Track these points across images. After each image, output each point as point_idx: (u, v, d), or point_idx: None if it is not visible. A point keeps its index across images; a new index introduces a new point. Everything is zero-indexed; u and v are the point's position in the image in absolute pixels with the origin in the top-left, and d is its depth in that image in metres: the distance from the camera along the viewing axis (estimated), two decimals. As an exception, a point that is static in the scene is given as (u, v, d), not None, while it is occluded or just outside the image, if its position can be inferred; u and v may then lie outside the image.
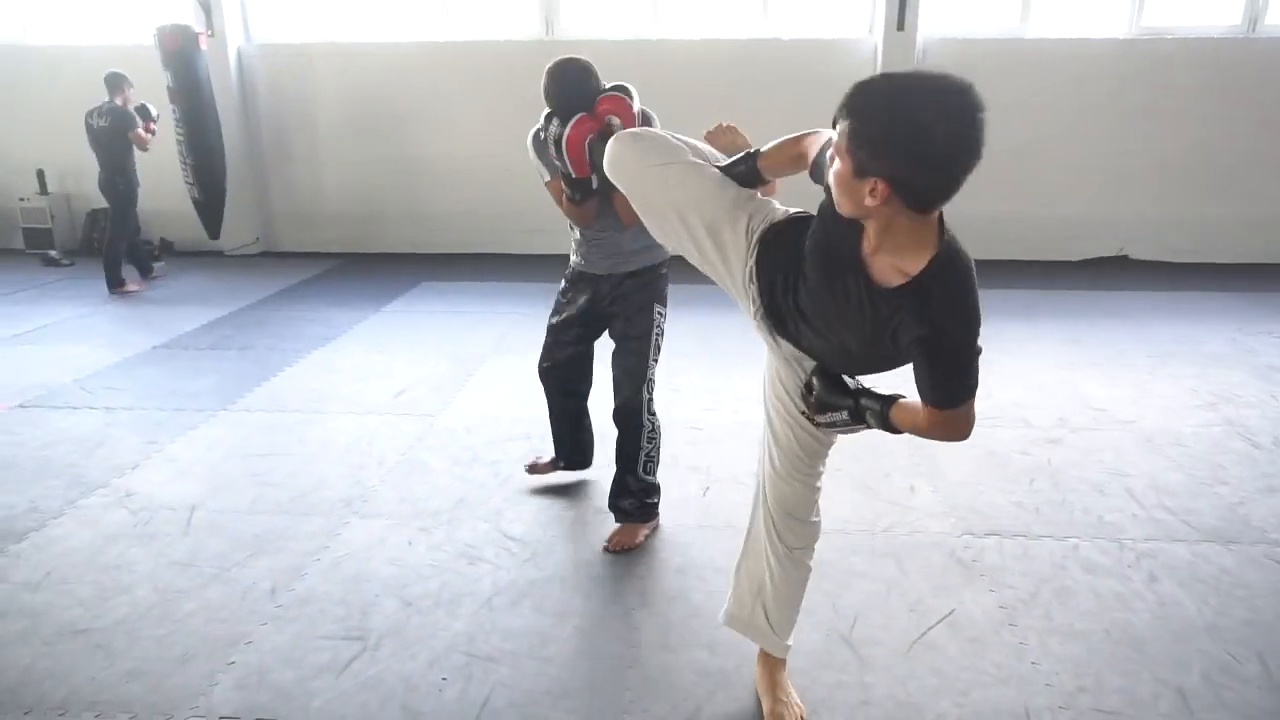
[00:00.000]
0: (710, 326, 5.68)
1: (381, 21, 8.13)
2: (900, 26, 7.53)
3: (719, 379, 4.62)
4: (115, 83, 6.65)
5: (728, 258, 1.91)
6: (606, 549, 2.88)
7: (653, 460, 2.97)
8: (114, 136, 6.60)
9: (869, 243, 1.56)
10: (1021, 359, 4.95)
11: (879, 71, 7.28)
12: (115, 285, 6.75)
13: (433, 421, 3.99)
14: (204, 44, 7.70)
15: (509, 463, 3.53)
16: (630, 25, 7.99)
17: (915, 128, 1.38)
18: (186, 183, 7.71)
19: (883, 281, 1.55)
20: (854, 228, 1.57)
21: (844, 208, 1.53)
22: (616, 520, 2.97)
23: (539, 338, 3.14)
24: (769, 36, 7.85)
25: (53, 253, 8.00)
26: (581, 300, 2.96)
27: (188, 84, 7.48)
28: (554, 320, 3.05)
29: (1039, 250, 8.06)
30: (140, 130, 6.64)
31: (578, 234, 2.90)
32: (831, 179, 1.53)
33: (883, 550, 2.88)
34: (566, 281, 3.03)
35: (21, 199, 8.44)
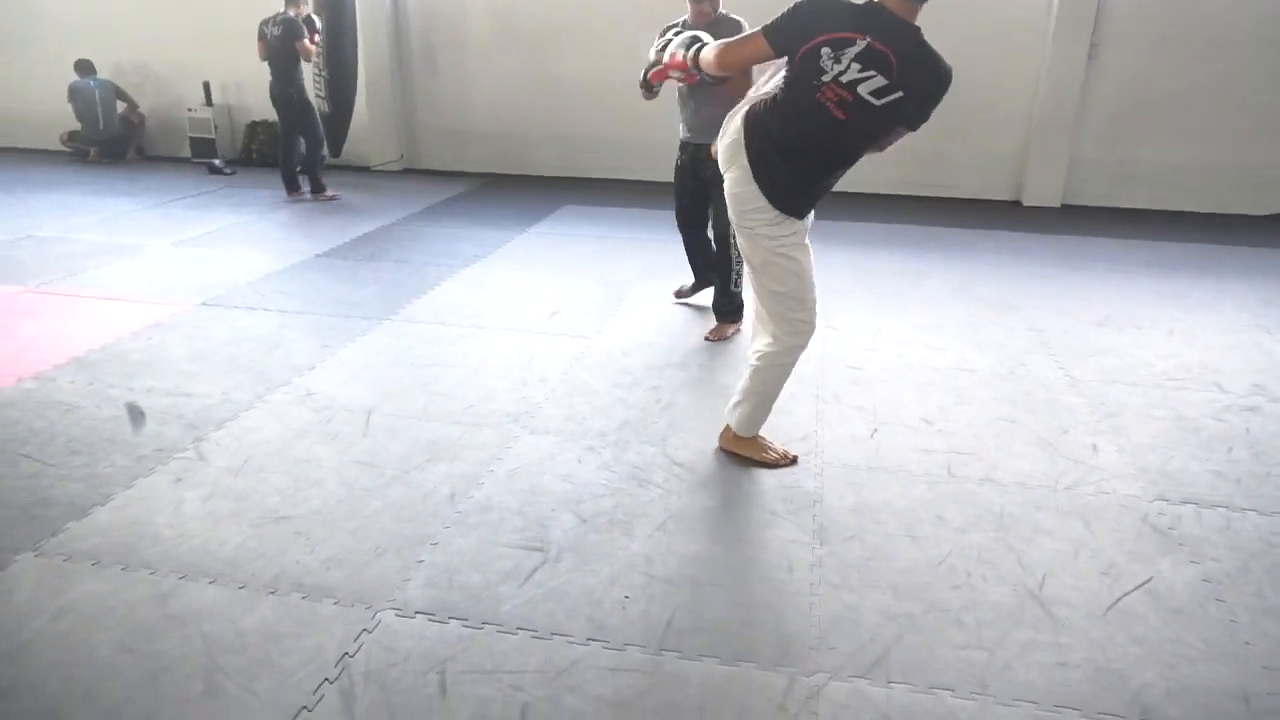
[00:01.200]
0: (866, 262, 5.49)
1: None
2: (1087, -50, 6.90)
3: (877, 317, 4.46)
4: None
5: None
6: (708, 339, 4.14)
7: (740, 276, 4.03)
8: (284, 46, 6.80)
9: None
10: (1208, 318, 4.59)
11: None
12: (319, 189, 7.13)
13: (589, 343, 4.01)
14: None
15: (669, 389, 3.52)
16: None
17: None
18: (318, 95, 7.86)
19: None
20: None
21: None
22: (717, 319, 4.23)
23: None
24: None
25: (217, 161, 8.39)
26: (684, 159, 4.17)
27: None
28: (676, 178, 4.25)
29: (1221, 202, 7.41)
30: (305, 41, 6.82)
31: (683, 112, 4.08)
32: None
33: (1067, 508, 2.73)
34: (679, 153, 4.20)
35: (190, 109, 8.86)
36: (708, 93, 3.70)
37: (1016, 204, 7.71)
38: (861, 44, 2.38)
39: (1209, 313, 4.70)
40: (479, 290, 4.78)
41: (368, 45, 8.17)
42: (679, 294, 4.69)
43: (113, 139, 8.92)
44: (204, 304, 4.45)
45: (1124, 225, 6.91)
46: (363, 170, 8.62)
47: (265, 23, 6.85)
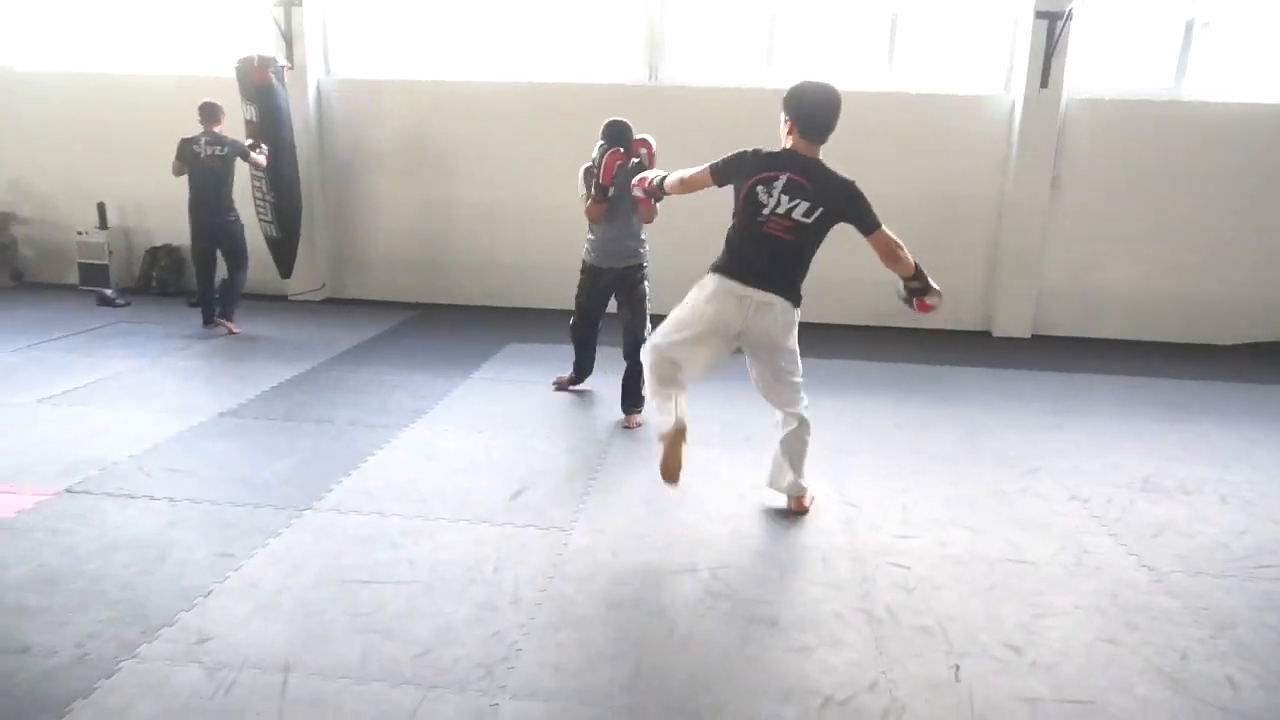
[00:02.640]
0: (859, 410, 4.87)
1: (468, 60, 7.57)
2: (1044, 84, 6.82)
3: (899, 488, 3.82)
4: (212, 112, 6.22)
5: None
6: (626, 426, 4.58)
7: (643, 379, 3.75)
8: (228, 168, 6.21)
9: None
10: (1253, 477, 4.10)
11: (1017, 129, 6.55)
12: (229, 315, 6.51)
13: (565, 540, 3.22)
14: (286, 76, 7.18)
15: (682, 611, 2.74)
16: (742, 72, 7.36)
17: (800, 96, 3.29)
18: (263, 220, 7.14)
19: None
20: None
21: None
22: (626, 412, 4.68)
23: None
24: (895, 90, 7.17)
25: (108, 291, 7.42)
26: (602, 283, 4.72)
27: (271, 117, 6.93)
28: (580, 300, 4.84)
29: (1188, 332, 7.22)
30: (258, 155, 6.35)
31: (592, 237, 4.69)
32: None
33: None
34: (584, 273, 4.80)
35: (80, 232, 7.92)
36: (625, 227, 4.58)
37: (986, 334, 7.37)
38: (783, 179, 3.21)
39: (1248, 468, 4.23)
40: (422, 462, 3.96)
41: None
42: (559, 385, 5.18)
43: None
44: (69, 490, 3.50)
45: (1098, 357, 6.60)
46: (279, 300, 7.77)
47: (194, 141, 6.15)
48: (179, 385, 5.11)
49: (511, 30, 7.49)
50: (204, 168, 6.17)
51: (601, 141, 4.48)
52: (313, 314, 7.33)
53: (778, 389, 3.44)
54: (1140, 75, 7.08)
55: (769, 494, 3.68)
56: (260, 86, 6.86)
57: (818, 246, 3.36)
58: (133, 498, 3.46)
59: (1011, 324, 7.30)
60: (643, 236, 4.67)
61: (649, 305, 4.66)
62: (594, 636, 2.59)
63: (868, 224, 3.35)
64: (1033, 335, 7.31)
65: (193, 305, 7.08)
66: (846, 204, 3.26)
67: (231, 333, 6.36)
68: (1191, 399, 5.50)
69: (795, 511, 3.52)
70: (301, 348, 6.05)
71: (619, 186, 4.36)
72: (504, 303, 7.69)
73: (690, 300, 3.33)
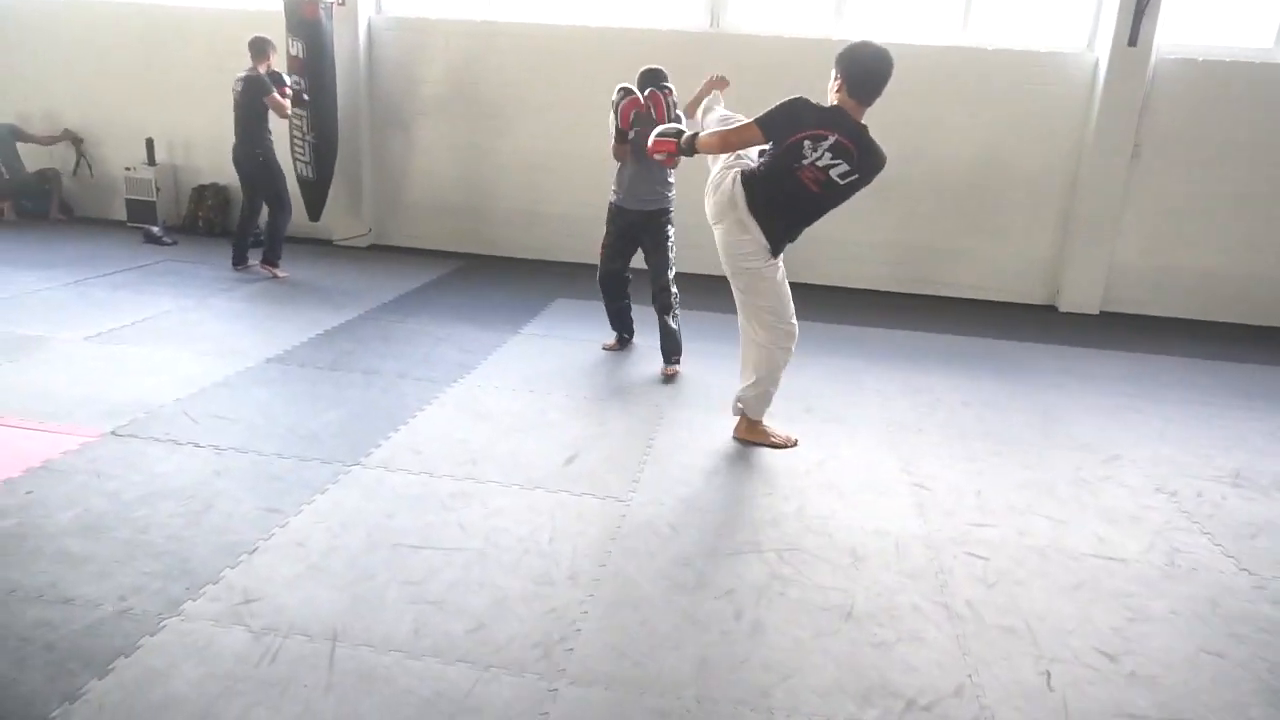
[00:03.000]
0: (920, 384, 4.61)
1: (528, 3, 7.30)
2: (1132, 42, 6.39)
3: (970, 470, 3.60)
4: (260, 48, 6.07)
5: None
6: (666, 376, 4.60)
7: (678, 318, 4.64)
8: (248, 103, 6.05)
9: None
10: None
11: (1100, 90, 6.16)
12: (272, 260, 6.35)
13: (623, 510, 3.06)
14: (335, 13, 6.97)
15: (748, 591, 2.58)
16: (809, 22, 7.00)
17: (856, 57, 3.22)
18: (299, 160, 7.01)
19: None
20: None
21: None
22: (665, 362, 4.67)
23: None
24: (970, 45, 6.78)
25: (155, 229, 7.35)
26: (621, 224, 4.66)
27: (317, 54, 6.74)
28: (606, 242, 4.76)
29: (1257, 314, 6.83)
30: (275, 94, 6.03)
31: (619, 180, 4.61)
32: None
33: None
34: (609, 213, 4.72)
35: (127, 168, 7.84)
36: (646, 171, 4.48)
37: (1051, 309, 7.04)
38: (832, 139, 3.21)
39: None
40: (472, 420, 3.82)
41: (341, 108, 7.27)
42: (607, 348, 5.04)
43: (24, 191, 7.83)
44: (113, 433, 3.41)
45: (1170, 337, 6.26)
46: (325, 245, 7.65)
47: (236, 81, 6.04)
48: (225, 327, 5.02)
49: (571, -29, 7.18)
50: (235, 103, 6.08)
51: (622, 86, 4.47)
52: (358, 260, 7.20)
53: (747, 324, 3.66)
54: (1235, 33, 6.62)
55: (834, 469, 3.50)
56: (309, 21, 6.67)
57: (827, 211, 3.42)
58: (178, 444, 3.36)
59: (1079, 299, 6.96)
60: (670, 181, 4.59)
61: (673, 251, 4.63)
62: (656, 619, 2.44)
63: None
64: (1100, 311, 6.97)
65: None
66: (870, 177, 3.29)
67: (276, 278, 6.25)
68: (1276, 388, 5.18)
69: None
70: (348, 294, 5.93)
71: (639, 134, 4.26)
72: (552, 256, 7.50)
73: (775, 277, 3.53)
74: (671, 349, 4.64)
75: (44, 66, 8.02)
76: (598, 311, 5.29)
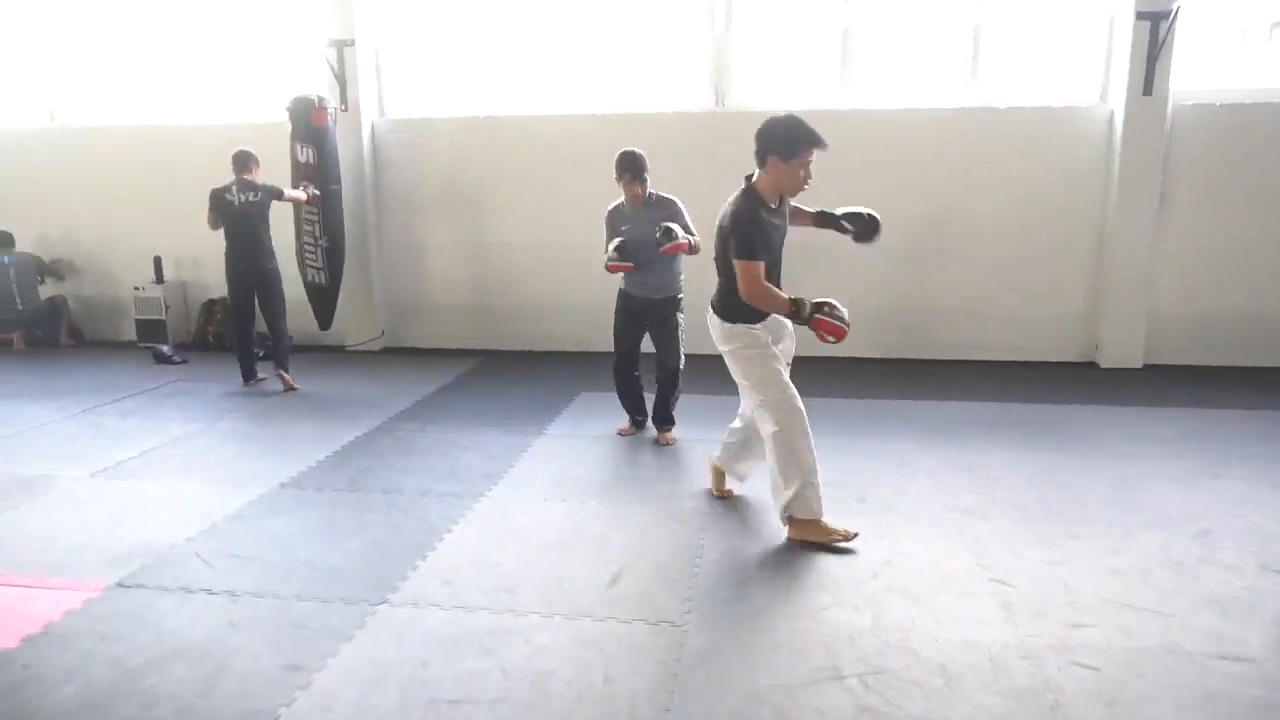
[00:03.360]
0: (970, 460, 4.30)
1: (525, 94, 7.29)
2: (1147, 91, 6.27)
3: (1049, 559, 3.27)
4: (244, 161, 5.98)
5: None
6: (660, 443, 4.79)
7: (675, 398, 4.85)
8: (263, 213, 5.99)
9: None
10: None
11: (1119, 141, 5.97)
12: (286, 367, 6.16)
13: (681, 638, 2.76)
14: (339, 119, 6.97)
15: (836, 738, 2.26)
16: (813, 94, 6.94)
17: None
18: (311, 266, 6.91)
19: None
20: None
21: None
22: (659, 430, 4.86)
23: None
24: (980, 105, 6.68)
25: (165, 348, 7.22)
26: (634, 309, 4.77)
27: (324, 159, 6.71)
28: (616, 328, 4.87)
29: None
30: (297, 192, 6.15)
31: (641, 275, 4.69)
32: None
33: None
34: (618, 299, 4.85)
35: (136, 288, 7.75)
36: (662, 267, 4.63)
37: (1091, 365, 6.77)
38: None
39: None
40: (504, 539, 3.54)
41: (347, 212, 7.20)
42: (622, 434, 4.96)
43: (37, 320, 7.75)
44: (120, 584, 3.15)
45: (1225, 387, 5.97)
46: (337, 351, 7.49)
47: (225, 190, 5.93)
48: (236, 451, 4.79)
49: (570, 61, 7.19)
50: (240, 215, 5.95)
51: (618, 209, 4.77)
52: (371, 366, 7.02)
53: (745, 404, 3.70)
54: (1250, 75, 6.51)
55: (902, 568, 3.20)
56: (319, 129, 6.65)
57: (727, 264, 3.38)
58: (189, 592, 3.09)
59: (1120, 353, 6.68)
60: (680, 272, 4.71)
61: (683, 340, 4.77)
62: (739, 778, 2.12)
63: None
64: (1144, 365, 6.69)
65: (260, 358, 6.82)
66: (726, 224, 3.38)
67: (291, 387, 6.06)
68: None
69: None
70: (362, 404, 5.72)
71: (630, 233, 4.65)
72: (571, 347, 7.30)
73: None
74: (667, 417, 4.85)
75: (61, 191, 8.01)
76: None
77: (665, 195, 4.69)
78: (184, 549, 3.45)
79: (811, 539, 3.43)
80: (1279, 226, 6.45)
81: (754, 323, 3.43)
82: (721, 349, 3.53)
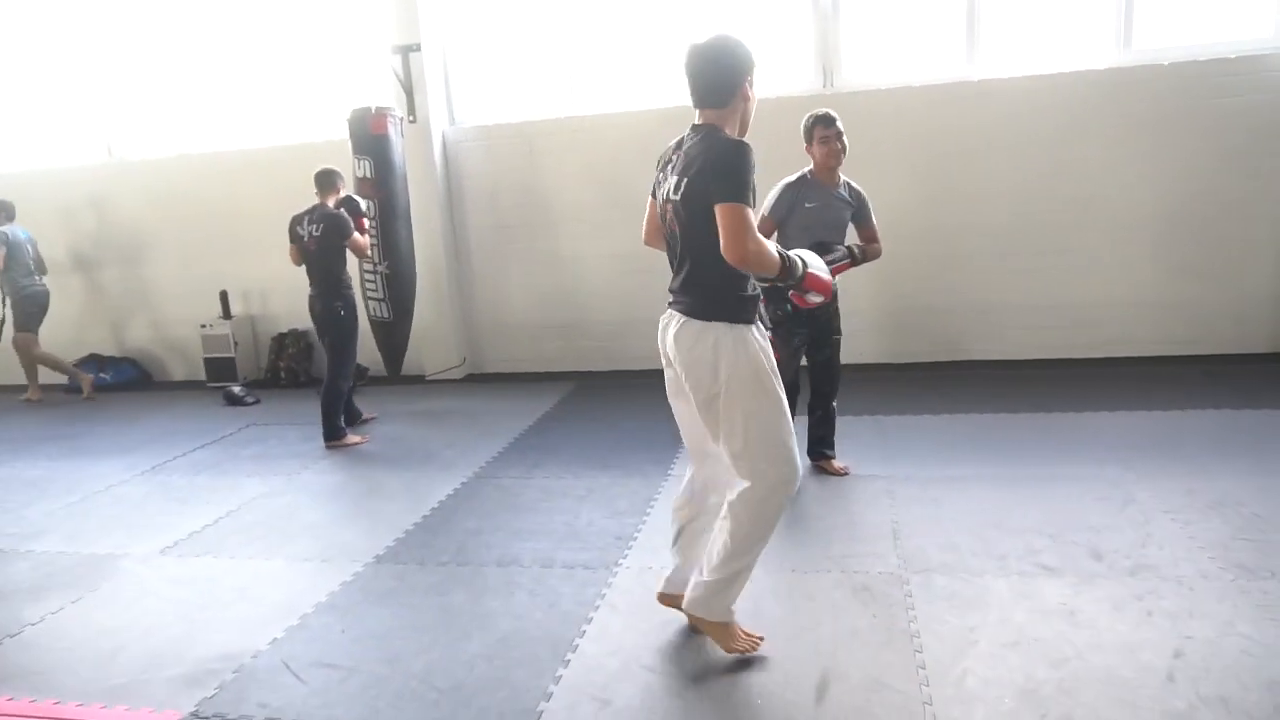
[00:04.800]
0: (1228, 495, 3.38)
1: (615, 90, 6.59)
2: (1349, 28, 5.28)
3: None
4: (328, 180, 5.30)
5: None
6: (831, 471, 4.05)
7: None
8: (329, 247, 5.19)
9: None
10: None
11: None
12: (334, 436, 5.25)
13: (945, 791, 1.99)
14: (405, 130, 6.37)
15: None
16: (937, 68, 6.10)
17: None
18: (371, 298, 6.20)
19: None
20: None
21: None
22: (824, 460, 4.09)
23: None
24: (1136, 63, 5.76)
25: (236, 389, 6.71)
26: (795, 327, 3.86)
27: (384, 173, 6.10)
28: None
29: None
30: (357, 235, 5.28)
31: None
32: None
33: None
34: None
35: (204, 325, 7.28)
36: None
37: (1282, 357, 5.80)
38: (674, 158, 2.46)
39: None
40: (658, 632, 2.80)
41: (418, 230, 6.60)
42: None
43: (104, 365, 7.34)
44: (195, 714, 2.52)
45: None
46: (416, 381, 6.90)
47: (298, 221, 5.28)
48: (321, 514, 4.17)
49: (661, 50, 6.46)
50: (305, 251, 5.23)
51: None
52: (456, 397, 6.40)
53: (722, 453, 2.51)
54: None
55: (1200, 663, 2.37)
56: (377, 136, 6.05)
57: (713, 232, 2.26)
58: (280, 725, 2.44)
59: (1319, 342, 5.70)
60: None
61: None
62: None
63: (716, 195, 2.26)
64: (1352, 353, 5.69)
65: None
66: (711, 169, 2.27)
67: (355, 445, 5.25)
68: None
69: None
70: (454, 446, 5.08)
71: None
72: (670, 365, 6.57)
73: None
74: (829, 441, 4.12)
75: (119, 227, 7.61)
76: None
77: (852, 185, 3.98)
78: (270, 657, 2.81)
79: (723, 643, 2.57)
80: None
81: (753, 320, 2.42)
82: (706, 376, 2.37)
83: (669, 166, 2.45)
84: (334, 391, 5.23)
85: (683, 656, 2.64)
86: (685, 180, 2.32)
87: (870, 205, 3.98)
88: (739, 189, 2.20)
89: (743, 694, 2.43)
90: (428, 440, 5.28)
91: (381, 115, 6.05)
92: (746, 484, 2.39)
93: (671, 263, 2.51)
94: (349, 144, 6.14)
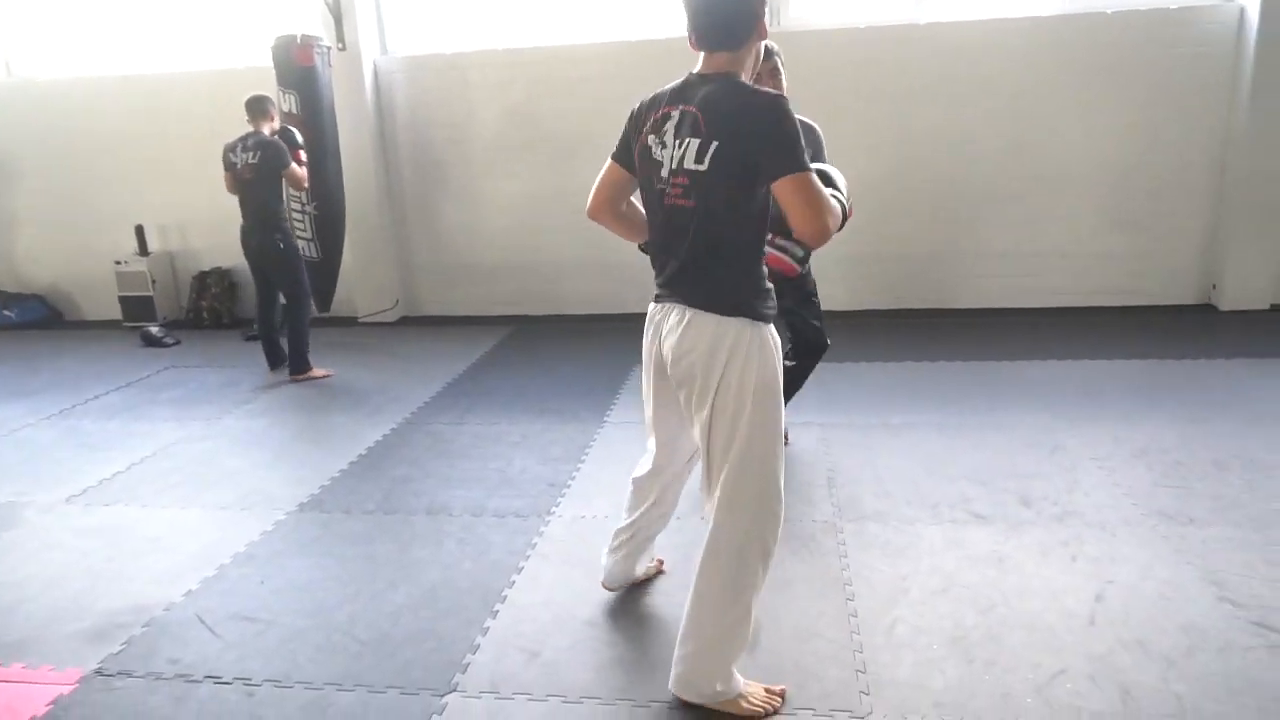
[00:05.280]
0: (1158, 443, 3.46)
1: (564, 18, 6.31)
2: (1286, -18, 5.32)
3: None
4: (260, 107, 5.02)
5: None
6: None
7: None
8: (266, 177, 4.94)
9: None
10: None
11: (1253, 43, 4.84)
12: (300, 369, 5.18)
13: (872, 738, 2.00)
14: (333, 59, 6.04)
15: None
16: (886, 8, 5.98)
17: None
18: (301, 236, 5.93)
19: None
20: None
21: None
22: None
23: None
24: (1082, 10, 5.73)
25: (154, 329, 6.39)
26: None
27: (313, 108, 5.80)
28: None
29: None
30: (294, 166, 5.04)
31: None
32: None
33: None
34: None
35: (118, 262, 6.90)
36: None
37: (1209, 309, 5.94)
38: (676, 114, 1.96)
39: None
40: (588, 581, 2.73)
41: (348, 167, 6.32)
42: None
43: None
44: (99, 671, 2.39)
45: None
46: (348, 324, 6.67)
47: (231, 149, 5.00)
48: (243, 461, 4.00)
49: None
50: (240, 180, 4.99)
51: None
52: (389, 340, 6.21)
53: (704, 475, 2.08)
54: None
55: (1120, 608, 2.41)
56: (303, 69, 5.73)
57: (741, 212, 1.92)
58: (192, 681, 2.32)
59: (1243, 294, 5.82)
60: None
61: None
62: None
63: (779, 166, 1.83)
64: (1271, 305, 5.85)
65: (249, 339, 6.02)
66: (755, 133, 1.84)
67: (315, 379, 5.20)
68: None
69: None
70: (386, 391, 4.92)
71: None
72: (617, 308, 6.44)
73: None
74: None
75: (23, 156, 7.12)
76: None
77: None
78: (183, 610, 2.68)
79: (739, 716, 2.08)
80: None
81: (773, 316, 2.05)
82: (714, 382, 1.96)
83: (668, 125, 1.95)
84: (300, 323, 5.15)
85: (615, 607, 2.60)
86: (716, 146, 1.85)
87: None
88: (800, 155, 1.81)
89: (673, 643, 2.40)
90: (358, 384, 5.12)
91: (307, 45, 5.71)
92: (723, 523, 2.00)
93: (661, 246, 2.06)
94: (273, 72, 5.80)
